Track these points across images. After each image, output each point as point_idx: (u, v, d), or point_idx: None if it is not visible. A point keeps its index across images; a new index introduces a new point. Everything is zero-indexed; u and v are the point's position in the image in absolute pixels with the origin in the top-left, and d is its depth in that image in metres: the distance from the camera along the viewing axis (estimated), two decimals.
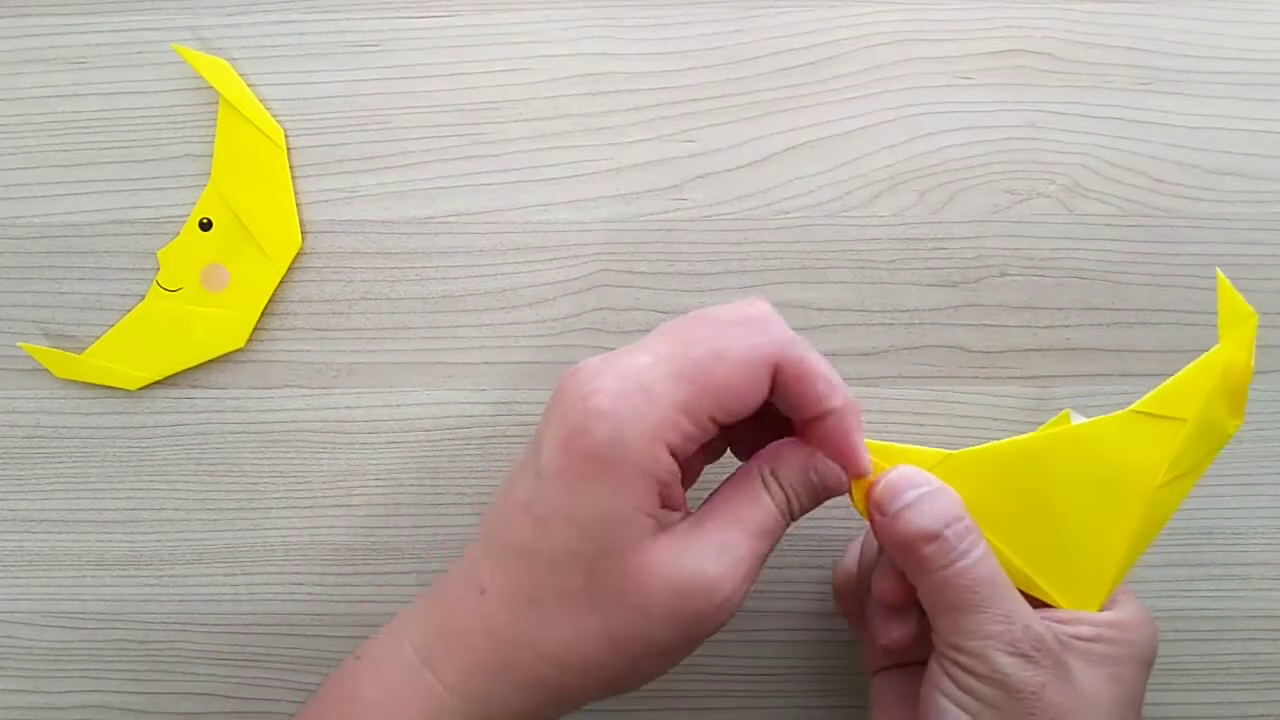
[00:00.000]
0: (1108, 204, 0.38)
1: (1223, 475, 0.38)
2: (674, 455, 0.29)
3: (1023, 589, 0.31)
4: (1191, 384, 0.30)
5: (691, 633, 0.29)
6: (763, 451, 0.31)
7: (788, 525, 0.31)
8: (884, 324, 0.39)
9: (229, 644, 0.39)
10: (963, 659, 0.30)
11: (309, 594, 0.39)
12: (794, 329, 0.38)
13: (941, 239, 0.39)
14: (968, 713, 0.30)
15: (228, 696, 0.39)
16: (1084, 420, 0.31)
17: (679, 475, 0.29)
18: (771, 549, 0.30)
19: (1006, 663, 0.29)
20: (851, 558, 0.36)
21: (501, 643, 0.30)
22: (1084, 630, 0.30)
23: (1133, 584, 0.35)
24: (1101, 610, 0.31)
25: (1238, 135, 0.39)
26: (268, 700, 0.39)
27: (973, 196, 0.39)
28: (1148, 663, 0.31)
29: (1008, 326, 0.39)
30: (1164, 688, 0.38)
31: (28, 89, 0.39)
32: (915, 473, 0.31)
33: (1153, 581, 0.38)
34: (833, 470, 0.31)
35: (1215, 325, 0.38)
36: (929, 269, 0.39)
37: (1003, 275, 0.39)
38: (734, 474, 0.31)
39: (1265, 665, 0.38)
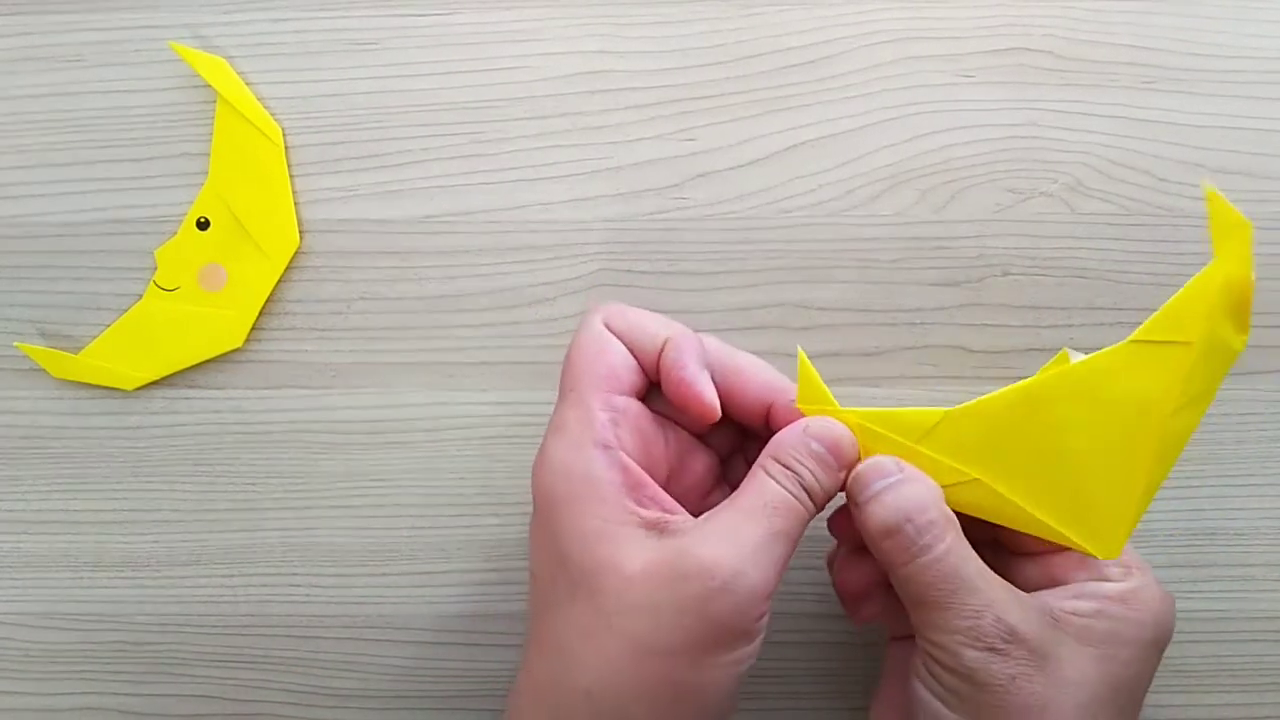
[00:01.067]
0: (1110, 203, 0.38)
1: (1227, 476, 0.38)
2: (611, 447, 0.29)
3: (1045, 538, 0.30)
4: (1191, 304, 0.28)
5: (709, 624, 0.28)
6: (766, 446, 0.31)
7: (814, 504, 0.30)
8: (886, 324, 0.38)
9: (227, 645, 0.39)
10: (933, 650, 0.29)
11: (307, 595, 0.39)
12: (795, 329, 0.39)
13: (943, 238, 0.38)
14: (939, 700, 0.29)
15: (225, 698, 0.39)
16: (1083, 357, 0.30)
17: (640, 471, 0.30)
18: (793, 529, 0.29)
19: (972, 657, 0.28)
20: None
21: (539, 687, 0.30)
22: (1083, 605, 0.30)
23: None
24: (1118, 568, 0.30)
25: (1241, 134, 0.38)
26: (266, 702, 0.39)
27: (975, 195, 0.38)
28: (1155, 644, 0.30)
29: (1010, 326, 0.38)
30: (1166, 689, 0.38)
31: (24, 87, 0.39)
32: (886, 462, 0.30)
33: None
34: (828, 427, 0.30)
35: None
36: (931, 268, 0.38)
37: (1005, 275, 0.38)
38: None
39: (1269, 667, 0.38)
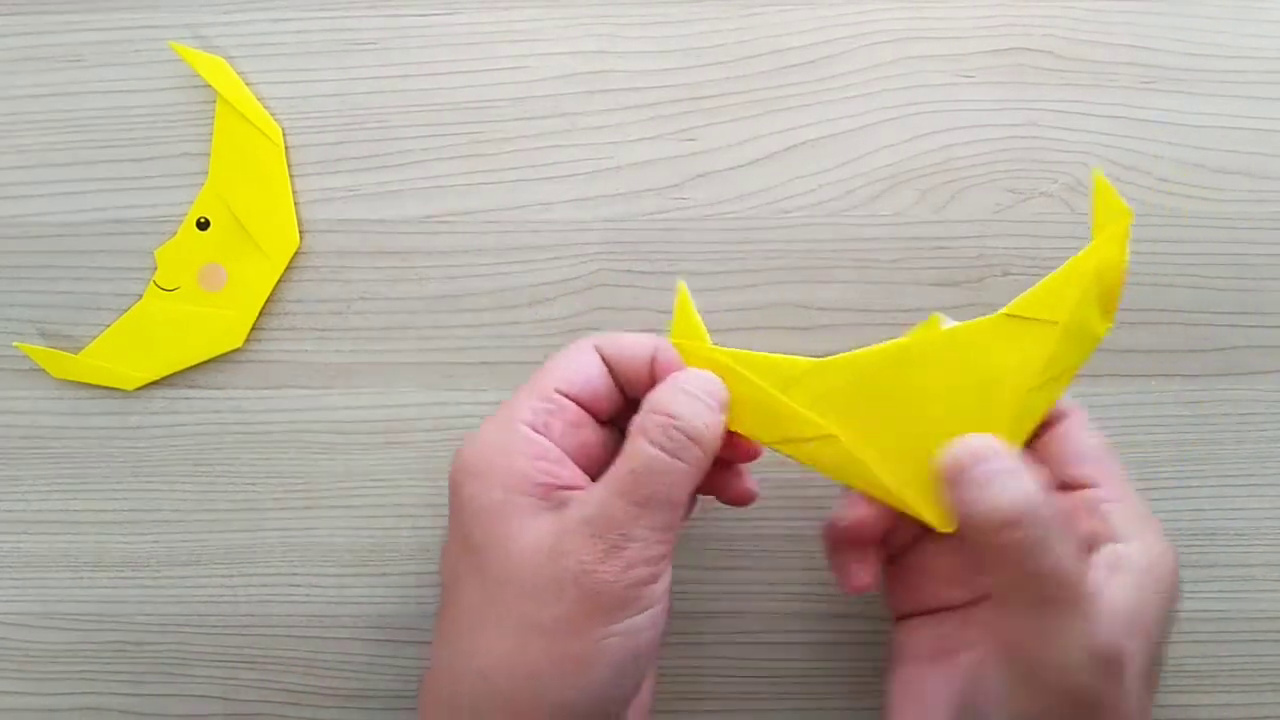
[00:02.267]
0: None
1: (1227, 476, 0.38)
2: (539, 430, 0.29)
3: (891, 504, 0.30)
4: (1064, 285, 0.29)
5: (587, 595, 0.27)
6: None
7: (697, 455, 0.29)
8: (886, 324, 0.38)
9: (227, 646, 0.39)
10: (1033, 664, 0.27)
11: (307, 595, 0.39)
12: (795, 329, 0.39)
13: (943, 238, 0.38)
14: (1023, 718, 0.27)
15: (225, 699, 0.39)
16: (954, 324, 0.30)
17: (556, 451, 0.29)
18: (670, 490, 0.28)
19: (1087, 672, 0.26)
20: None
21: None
22: (1125, 581, 0.28)
23: None
24: (1129, 527, 0.29)
25: (1241, 134, 0.38)
26: (265, 702, 0.39)
27: (975, 195, 0.38)
28: (1172, 611, 0.29)
29: None
30: (1166, 689, 0.38)
31: (24, 87, 0.39)
32: (993, 444, 0.28)
33: None
34: (698, 373, 0.30)
35: (1220, 325, 0.38)
36: (931, 268, 0.38)
37: (1005, 275, 0.38)
38: None
39: (1269, 667, 0.38)
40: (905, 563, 0.33)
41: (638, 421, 0.29)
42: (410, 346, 0.39)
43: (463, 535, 0.29)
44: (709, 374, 0.30)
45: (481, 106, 0.39)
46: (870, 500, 0.31)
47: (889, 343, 0.30)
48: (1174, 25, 0.39)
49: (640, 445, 0.28)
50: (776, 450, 0.31)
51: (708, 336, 0.31)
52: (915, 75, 0.39)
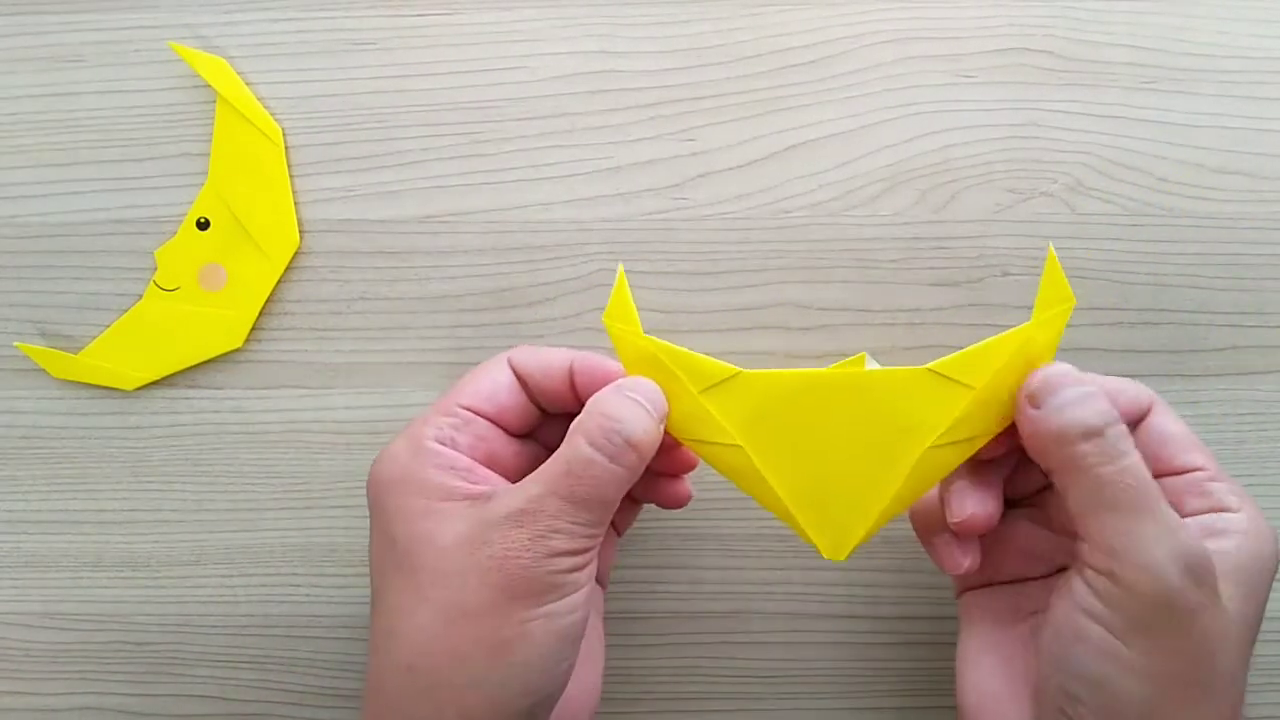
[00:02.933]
0: (1110, 203, 0.38)
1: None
2: (444, 444, 0.30)
3: (782, 520, 0.31)
4: (988, 355, 0.30)
5: (509, 579, 0.28)
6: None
7: (632, 459, 0.29)
8: (885, 324, 0.38)
9: (226, 645, 0.39)
10: (1119, 569, 0.27)
11: (307, 595, 0.39)
12: (795, 329, 0.39)
13: (943, 238, 0.38)
14: (1114, 634, 0.27)
15: (225, 698, 0.39)
16: (878, 366, 0.31)
17: (464, 460, 0.30)
18: (601, 490, 0.29)
19: (1172, 571, 0.26)
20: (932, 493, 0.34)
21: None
22: (1227, 544, 0.29)
23: None
24: (1234, 496, 0.30)
25: (1241, 134, 0.38)
26: (265, 702, 0.39)
27: (974, 196, 0.38)
28: (1271, 578, 0.29)
29: (1010, 326, 0.38)
30: None
31: (24, 87, 0.39)
32: (1075, 371, 0.29)
33: None
34: (643, 380, 0.30)
35: (1220, 325, 0.38)
36: (930, 268, 0.38)
37: (1005, 275, 0.38)
38: None
39: (1269, 667, 0.38)
40: (985, 537, 0.33)
41: (579, 421, 0.29)
42: (410, 346, 0.39)
43: (387, 539, 0.30)
44: (651, 382, 0.30)
45: (481, 106, 0.39)
46: (991, 491, 0.31)
47: (812, 370, 0.31)
48: (1174, 25, 0.39)
49: (578, 444, 0.29)
50: (684, 445, 0.31)
51: (638, 321, 0.31)
52: (915, 75, 0.39)
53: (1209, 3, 0.39)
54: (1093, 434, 0.28)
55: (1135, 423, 0.31)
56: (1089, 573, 0.28)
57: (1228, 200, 0.38)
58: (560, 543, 0.28)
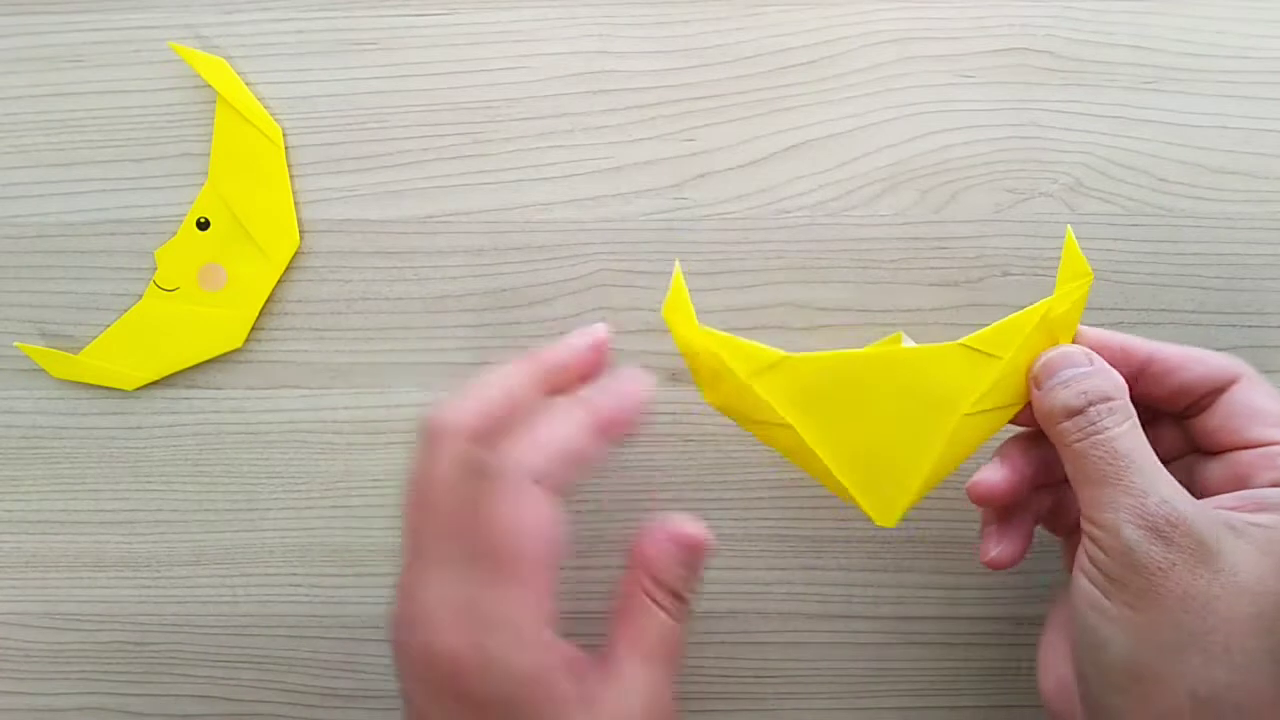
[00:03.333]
0: (1110, 203, 0.38)
1: None
2: (557, 639, 0.29)
3: (833, 493, 0.33)
4: (1014, 328, 0.32)
5: None
6: (634, 557, 0.31)
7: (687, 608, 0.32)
8: (885, 324, 0.38)
9: (226, 645, 0.39)
10: (1094, 532, 0.29)
11: (307, 595, 0.39)
12: (795, 329, 0.39)
13: (943, 238, 0.38)
14: (1099, 589, 0.29)
15: (225, 698, 0.39)
16: (914, 344, 0.34)
17: (572, 649, 0.30)
18: (678, 648, 0.31)
19: (1132, 535, 0.29)
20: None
21: None
22: (1265, 518, 0.29)
23: None
24: None
25: (1241, 134, 0.38)
26: (265, 702, 0.39)
27: (974, 195, 0.38)
28: None
29: None
30: None
31: (24, 87, 0.39)
32: (1076, 352, 0.32)
33: None
34: (684, 530, 0.31)
35: (1220, 325, 0.38)
36: (931, 268, 0.38)
37: (1005, 275, 0.38)
38: (622, 593, 0.31)
39: None
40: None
41: (648, 586, 0.31)
42: (410, 346, 0.39)
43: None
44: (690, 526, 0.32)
45: (481, 106, 0.39)
46: (1006, 463, 0.33)
47: (854, 350, 0.33)
48: (1174, 25, 0.39)
49: (658, 620, 0.31)
50: (741, 426, 0.33)
51: (694, 316, 0.33)
52: (915, 75, 0.39)
53: (1209, 3, 0.39)
54: (1073, 412, 0.31)
55: (1216, 393, 0.32)
56: (1083, 536, 0.30)
57: (1228, 200, 0.38)
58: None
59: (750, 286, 0.39)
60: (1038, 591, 0.38)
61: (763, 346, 0.32)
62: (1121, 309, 0.38)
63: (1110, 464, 0.30)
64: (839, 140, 0.39)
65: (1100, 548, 0.29)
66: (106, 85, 0.39)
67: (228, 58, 0.39)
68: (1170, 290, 0.38)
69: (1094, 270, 0.38)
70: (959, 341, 0.32)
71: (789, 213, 0.39)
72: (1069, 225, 0.33)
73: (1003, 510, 0.33)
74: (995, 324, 0.32)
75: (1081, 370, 0.31)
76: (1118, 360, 0.32)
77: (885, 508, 0.33)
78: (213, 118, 0.39)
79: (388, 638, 0.30)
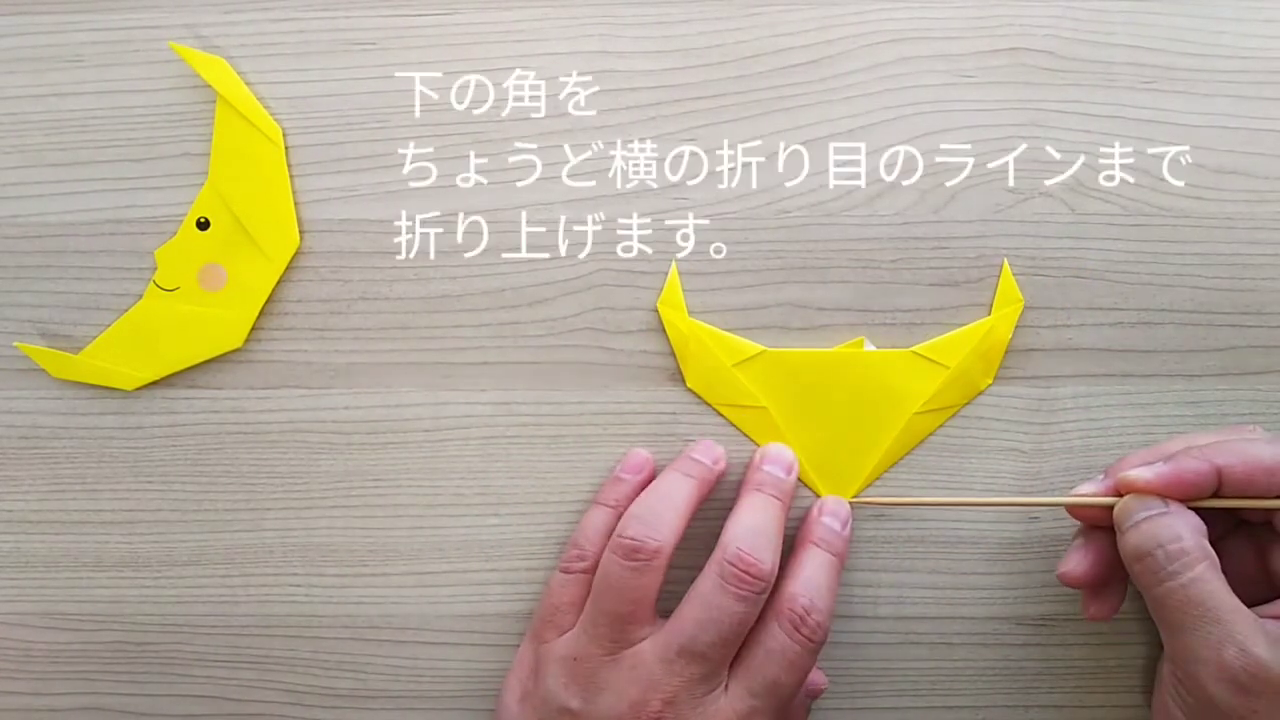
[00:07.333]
0: (1110, 203, 0.38)
1: None
2: None
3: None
4: (960, 341, 0.38)
5: None
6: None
7: None
8: (885, 324, 0.38)
9: (227, 646, 0.39)
10: (1178, 673, 0.31)
11: (307, 595, 0.39)
12: (795, 329, 0.39)
13: (943, 238, 0.38)
14: (1188, 716, 0.32)
15: (226, 699, 0.39)
16: (874, 349, 0.38)
17: None
18: None
19: (1215, 688, 0.30)
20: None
21: None
22: None
23: None
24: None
25: (1241, 134, 0.38)
26: (266, 702, 0.39)
27: (974, 195, 0.38)
28: None
29: None
30: None
31: (23, 87, 0.39)
32: (1144, 502, 0.33)
33: None
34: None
35: (1220, 325, 0.38)
36: (931, 268, 0.38)
37: None
38: None
39: None
40: None
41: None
42: (410, 346, 0.39)
43: None
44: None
45: (481, 106, 0.39)
46: (1090, 552, 0.35)
47: (821, 350, 0.38)
48: (1174, 25, 0.39)
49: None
50: (718, 411, 0.38)
51: (685, 308, 0.38)
52: (915, 75, 0.39)
53: (1209, 3, 0.39)
54: (1143, 555, 0.32)
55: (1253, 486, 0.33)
56: (1167, 664, 0.32)
57: (1228, 200, 0.38)
58: None
59: (749, 286, 0.39)
60: (1038, 591, 0.38)
61: (745, 340, 0.38)
62: (1121, 309, 0.38)
63: (1185, 612, 0.31)
64: (839, 140, 0.39)
65: (1187, 690, 0.31)
66: (106, 85, 0.39)
67: (228, 58, 0.39)
68: (1170, 290, 0.38)
69: (1094, 270, 0.38)
70: (912, 349, 0.38)
71: (788, 213, 0.39)
72: (1005, 259, 0.38)
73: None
74: (943, 336, 0.38)
75: (1147, 514, 0.32)
76: (1189, 492, 0.33)
77: (836, 487, 0.38)
78: (213, 118, 0.39)
79: None
